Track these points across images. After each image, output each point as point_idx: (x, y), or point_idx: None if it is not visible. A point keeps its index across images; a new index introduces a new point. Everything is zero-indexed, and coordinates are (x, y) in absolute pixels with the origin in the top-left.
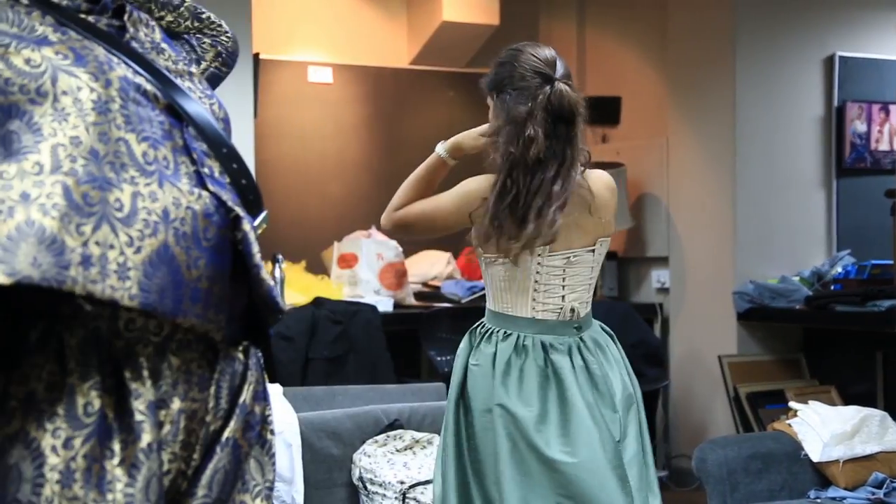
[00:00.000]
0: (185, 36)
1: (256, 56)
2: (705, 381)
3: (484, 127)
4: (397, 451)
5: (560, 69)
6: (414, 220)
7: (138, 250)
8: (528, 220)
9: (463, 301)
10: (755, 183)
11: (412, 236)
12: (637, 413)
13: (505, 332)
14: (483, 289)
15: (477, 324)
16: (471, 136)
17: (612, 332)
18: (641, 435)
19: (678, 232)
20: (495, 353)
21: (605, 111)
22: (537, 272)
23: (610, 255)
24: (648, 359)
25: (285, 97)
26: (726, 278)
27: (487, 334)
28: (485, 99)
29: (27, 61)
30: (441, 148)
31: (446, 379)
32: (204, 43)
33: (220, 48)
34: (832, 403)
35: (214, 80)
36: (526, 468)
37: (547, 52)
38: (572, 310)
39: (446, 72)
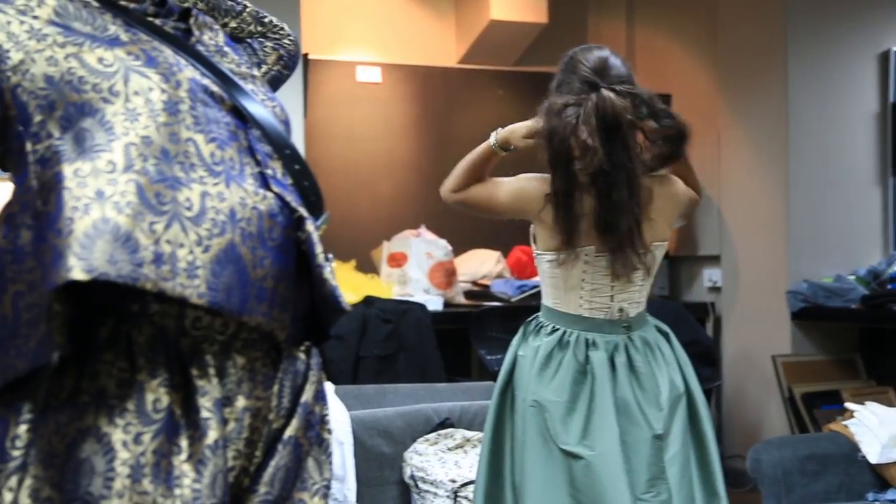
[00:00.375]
0: (248, 40)
1: (305, 56)
2: (759, 381)
3: (530, 123)
4: (448, 449)
5: (613, 72)
6: (472, 204)
7: (206, 249)
8: (605, 230)
9: (513, 300)
10: (809, 180)
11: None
12: (686, 412)
13: (553, 327)
14: (532, 287)
15: (532, 317)
16: (519, 134)
17: (668, 332)
18: (700, 434)
19: (730, 230)
20: (539, 347)
21: None
22: (584, 271)
23: None
24: (700, 358)
25: (334, 97)
26: (780, 277)
27: (538, 328)
28: (538, 98)
29: (100, 60)
30: (493, 138)
31: (497, 378)
32: (266, 46)
33: (281, 51)
34: (889, 404)
35: (275, 83)
36: (549, 461)
37: (598, 57)
38: (621, 309)
39: (495, 70)
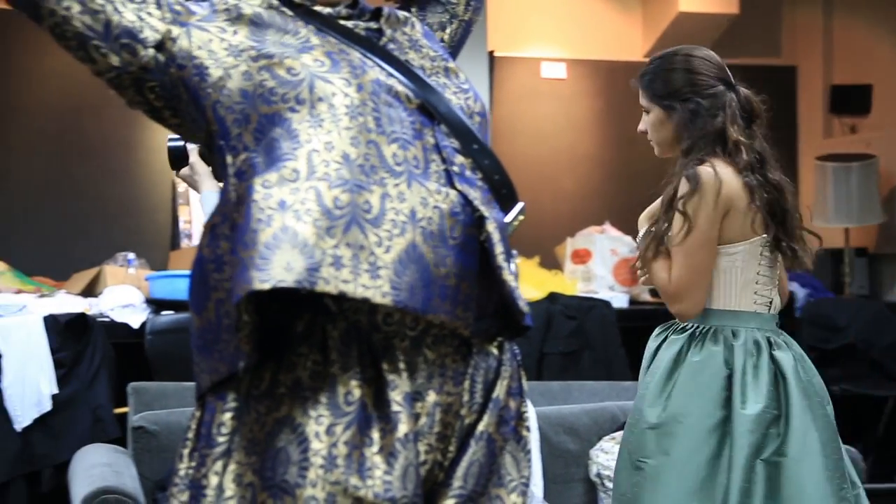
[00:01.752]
0: None
1: (491, 53)
2: None
3: (653, 207)
4: None
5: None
6: (687, 279)
7: (388, 250)
8: (772, 215)
9: None
10: None
11: (700, 294)
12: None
13: (733, 331)
14: None
15: (692, 325)
16: (647, 215)
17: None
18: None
19: None
20: (727, 353)
21: (854, 100)
22: (759, 263)
23: (860, 252)
24: None
25: (519, 93)
26: None
27: (711, 333)
28: None
29: (289, 70)
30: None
31: None
32: None
33: None
34: None
35: (468, 30)
36: (749, 472)
37: (714, 56)
38: (774, 303)
39: None
